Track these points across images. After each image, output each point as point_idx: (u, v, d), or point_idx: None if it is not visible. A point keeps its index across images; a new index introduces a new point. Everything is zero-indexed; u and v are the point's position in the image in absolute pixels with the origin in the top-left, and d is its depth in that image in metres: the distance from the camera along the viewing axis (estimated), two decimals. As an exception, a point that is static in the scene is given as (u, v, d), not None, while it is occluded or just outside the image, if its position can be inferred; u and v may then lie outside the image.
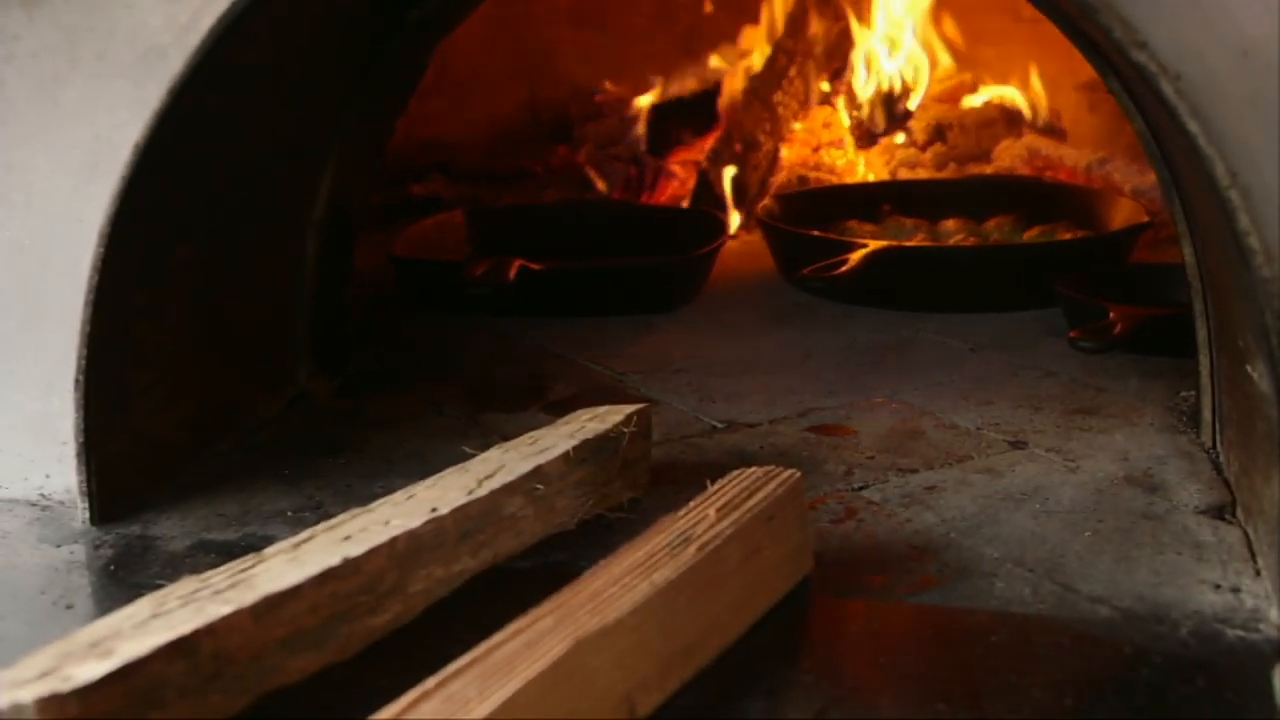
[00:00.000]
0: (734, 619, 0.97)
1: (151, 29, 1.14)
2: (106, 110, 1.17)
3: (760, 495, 1.03)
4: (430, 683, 0.78)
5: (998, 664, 0.95)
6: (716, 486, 1.05)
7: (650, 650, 0.88)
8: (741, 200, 2.28)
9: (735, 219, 2.25)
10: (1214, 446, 1.30)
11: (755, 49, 2.50)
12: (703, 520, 0.99)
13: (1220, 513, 1.18)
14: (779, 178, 2.39)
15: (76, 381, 1.17)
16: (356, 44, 1.43)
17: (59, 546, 1.18)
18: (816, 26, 2.50)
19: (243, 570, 0.94)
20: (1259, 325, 0.96)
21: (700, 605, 0.93)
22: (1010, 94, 2.53)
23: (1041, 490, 1.24)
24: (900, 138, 2.49)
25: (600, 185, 2.42)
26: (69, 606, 1.07)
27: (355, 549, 0.96)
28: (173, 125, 1.14)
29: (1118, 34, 0.94)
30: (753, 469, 1.08)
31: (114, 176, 1.14)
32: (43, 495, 1.26)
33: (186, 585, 0.92)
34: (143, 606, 0.89)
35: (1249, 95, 0.94)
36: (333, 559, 0.94)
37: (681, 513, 1.01)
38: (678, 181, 2.39)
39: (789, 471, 1.07)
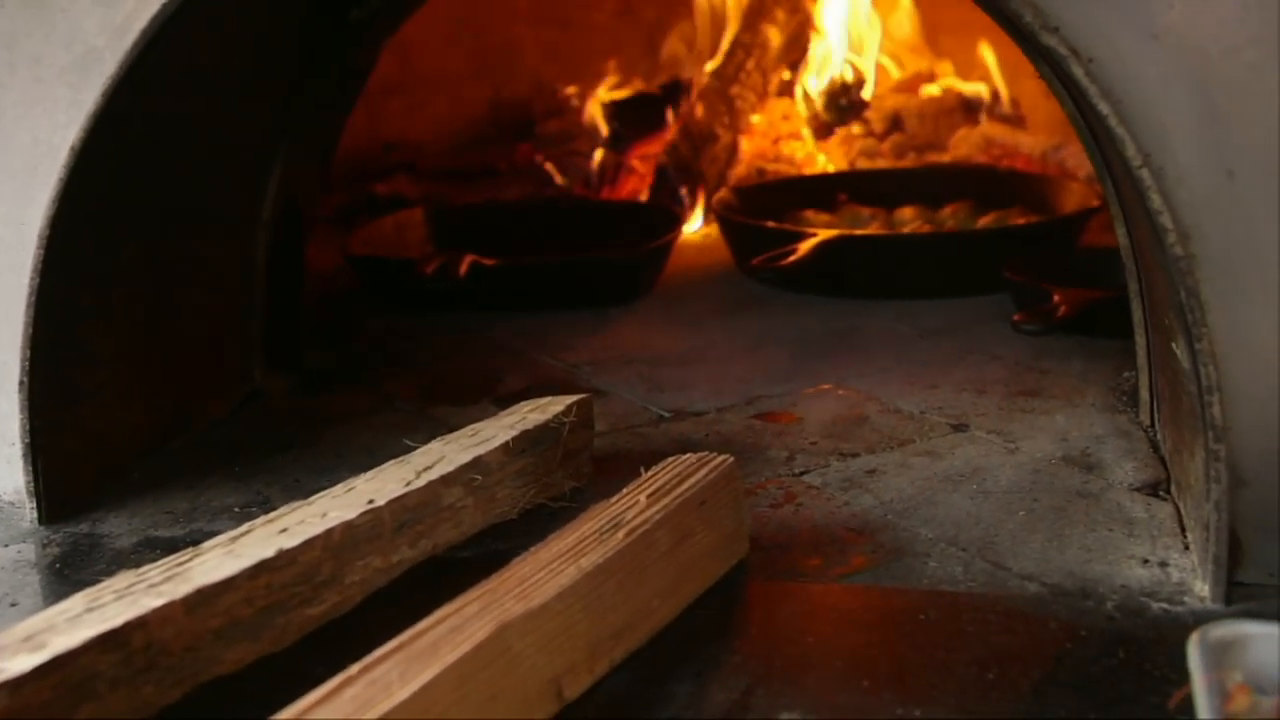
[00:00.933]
0: (665, 603, 0.98)
1: (87, 32, 1.15)
2: (45, 114, 1.18)
3: (692, 480, 1.05)
4: (354, 668, 0.80)
5: (925, 641, 0.96)
6: (650, 473, 1.07)
7: (577, 634, 0.89)
8: (700, 193, 2.30)
9: (693, 213, 2.26)
10: (1152, 425, 1.32)
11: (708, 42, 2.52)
12: (633, 506, 1.00)
13: (1154, 489, 1.19)
14: (738, 170, 2.40)
15: (21, 383, 1.18)
16: (299, 44, 1.44)
17: (7, 546, 1.19)
18: (774, 19, 2.51)
19: (179, 564, 0.95)
20: (1177, 303, 0.98)
21: (629, 589, 0.94)
22: (968, 83, 2.55)
23: (980, 471, 1.25)
24: (857, 128, 2.50)
25: (560, 181, 2.44)
26: (13, 604, 1.09)
27: (290, 541, 0.97)
28: (110, 127, 1.16)
29: (1029, 19, 0.95)
30: (687, 455, 1.10)
31: (53, 179, 1.15)
32: (-9, 496, 1.27)
33: (123, 580, 0.93)
34: (77, 601, 0.90)
35: (1160, 78, 0.95)
36: (268, 551, 0.96)
37: (614, 499, 1.02)
38: (637, 176, 2.40)
39: (723, 457, 1.09)
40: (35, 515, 1.22)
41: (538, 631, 0.86)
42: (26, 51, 1.18)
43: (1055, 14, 0.96)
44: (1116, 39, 0.96)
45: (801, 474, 1.27)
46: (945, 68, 2.63)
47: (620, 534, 0.96)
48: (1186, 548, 1.08)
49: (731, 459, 1.09)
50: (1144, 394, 1.34)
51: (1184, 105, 0.96)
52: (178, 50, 1.19)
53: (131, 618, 0.87)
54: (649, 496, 1.01)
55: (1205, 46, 0.95)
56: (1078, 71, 0.95)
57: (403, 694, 0.77)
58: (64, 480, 1.24)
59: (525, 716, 0.84)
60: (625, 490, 1.04)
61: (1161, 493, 1.19)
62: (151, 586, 0.92)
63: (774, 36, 2.51)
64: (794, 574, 1.08)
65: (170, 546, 1.16)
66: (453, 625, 0.84)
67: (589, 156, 2.45)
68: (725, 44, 2.50)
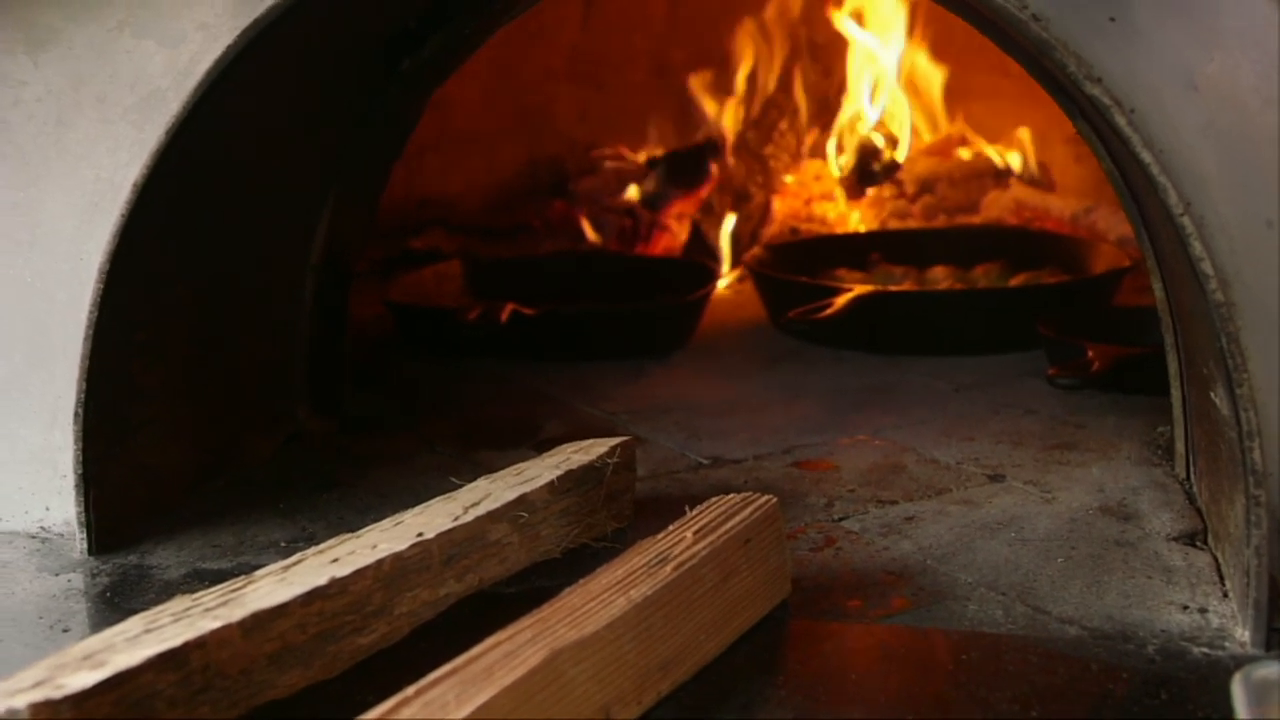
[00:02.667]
0: (710, 638, 0.99)
1: (151, 74, 1.19)
2: (108, 152, 1.21)
3: (737, 519, 1.06)
4: (410, 690, 0.81)
5: (967, 679, 0.97)
6: (695, 511, 1.08)
7: (626, 664, 0.91)
8: (734, 251, 2.32)
9: (726, 268, 2.28)
10: (1187, 477, 1.33)
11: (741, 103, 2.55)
12: (680, 542, 1.02)
13: (1191, 539, 1.21)
14: (771, 229, 2.43)
15: (75, 415, 1.21)
16: (351, 93, 1.47)
17: (57, 575, 1.21)
18: (808, 81, 2.55)
19: (233, 590, 0.97)
20: (1218, 350, 1.00)
21: (676, 622, 0.96)
22: (998, 148, 2.58)
23: (1017, 520, 1.27)
24: (889, 190, 2.53)
25: (594, 238, 2.46)
26: (65, 630, 1.10)
27: (342, 570, 0.99)
28: (170, 166, 1.19)
29: (1072, 69, 0.98)
30: (731, 495, 1.11)
31: (114, 215, 1.18)
32: (43, 527, 1.29)
33: (179, 603, 0.95)
34: (135, 623, 0.92)
35: (1200, 127, 0.98)
36: (320, 579, 0.97)
37: (660, 535, 1.04)
38: (671, 234, 2.43)
39: (766, 497, 1.10)
40: (85, 546, 1.24)
41: (589, 659, 0.87)
42: (92, 91, 1.21)
43: (1099, 65, 0.99)
44: (1158, 90, 0.98)
45: (840, 520, 1.28)
46: (976, 133, 2.66)
47: (668, 568, 0.97)
48: (1225, 595, 1.09)
49: (774, 499, 1.11)
50: (1179, 447, 1.35)
51: (1224, 155, 0.98)
52: (238, 94, 1.22)
53: (190, 638, 0.88)
54: (695, 533, 1.03)
55: (1244, 98, 0.97)
56: (1120, 121, 0.97)
57: (459, 715, 0.78)
58: (113, 512, 1.26)
59: (576, 742, 0.85)
60: (672, 527, 1.05)
61: (1199, 542, 1.20)
62: (207, 610, 0.93)
63: (808, 98, 2.54)
64: (835, 614, 1.09)
65: (218, 578, 1.17)
66: (506, 650, 0.86)
67: (623, 214, 2.48)
68: (759, 105, 2.53)
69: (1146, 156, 0.96)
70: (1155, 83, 0.99)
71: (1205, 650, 1.01)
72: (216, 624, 0.90)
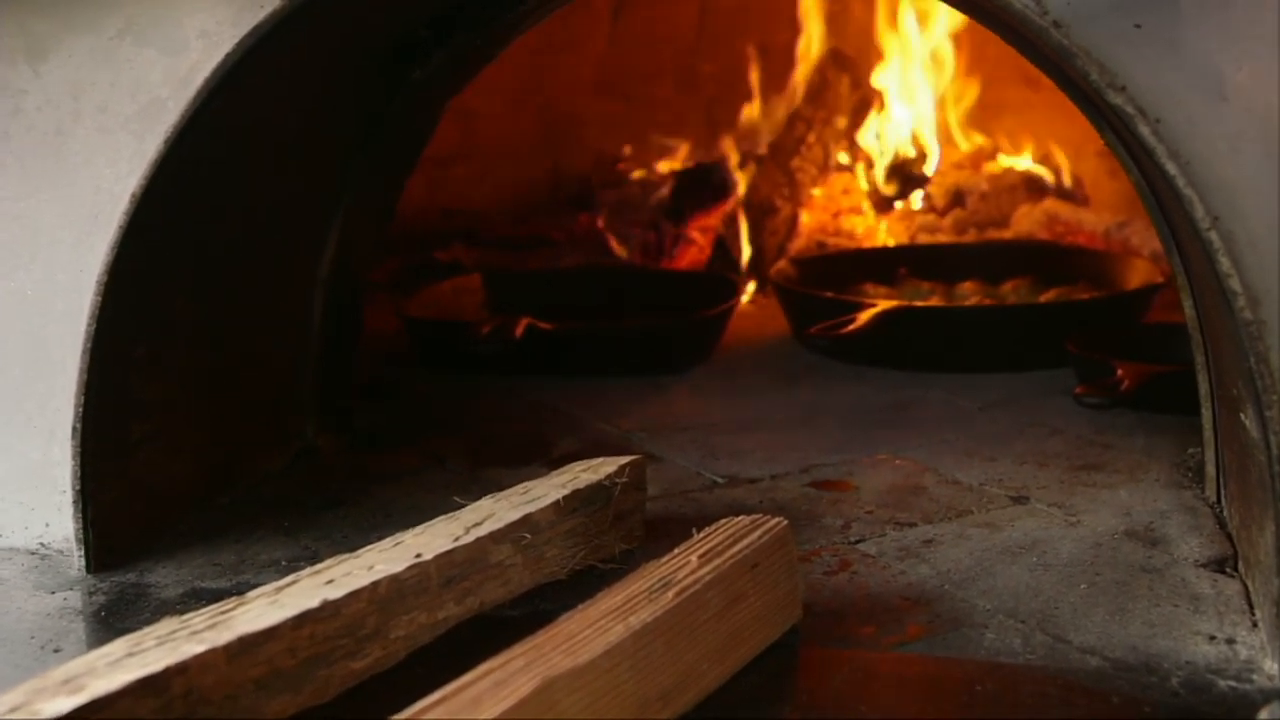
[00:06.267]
0: (714, 666, 0.96)
1: (151, 82, 1.17)
2: (108, 162, 1.19)
3: (744, 543, 1.03)
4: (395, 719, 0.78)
5: (982, 712, 0.94)
6: (702, 534, 1.05)
7: (624, 693, 0.87)
8: (759, 265, 2.29)
9: (750, 283, 2.25)
10: (1218, 500, 1.29)
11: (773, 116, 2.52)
12: (684, 566, 0.98)
13: (1220, 565, 1.16)
14: (798, 243, 2.40)
15: (74, 430, 1.18)
16: (360, 103, 1.45)
17: (54, 593, 1.19)
18: (836, 93, 2.51)
19: (223, 612, 0.94)
20: (1246, 370, 0.96)
21: (678, 650, 0.92)
22: (1030, 161, 2.54)
23: (1040, 544, 1.22)
24: (918, 203, 2.49)
25: (619, 251, 2.43)
26: (56, 650, 1.08)
27: (336, 592, 0.96)
28: (171, 176, 1.16)
29: (1095, 77, 0.94)
30: (740, 517, 1.08)
31: (113, 227, 1.16)
32: (42, 544, 1.27)
33: (165, 626, 0.92)
34: (119, 645, 0.89)
35: (1229, 139, 0.94)
36: (312, 601, 0.94)
37: (664, 559, 1.01)
38: (696, 248, 2.39)
39: (776, 520, 1.07)
40: (83, 563, 1.22)
41: (584, 689, 0.84)
42: (92, 100, 1.19)
43: (1122, 73, 0.95)
44: (1184, 99, 0.95)
45: (857, 542, 1.25)
46: (1007, 145, 2.62)
47: (670, 594, 0.94)
48: (1255, 625, 1.05)
49: (785, 522, 1.07)
50: (1210, 469, 1.31)
51: (1254, 167, 0.94)
52: (240, 103, 1.19)
53: (172, 663, 0.85)
54: (700, 557, 0.99)
55: (1276, 107, 0.93)
56: (1145, 131, 0.94)
57: (443, 747, 0.75)
58: (112, 529, 1.23)
59: (569, 776, 0.82)
60: (676, 550, 1.02)
61: (1228, 569, 1.16)
62: (194, 633, 0.90)
63: (836, 110, 2.51)
64: (848, 641, 1.06)
65: (216, 598, 1.13)
66: (497, 679, 0.82)
67: (647, 227, 2.45)
68: (786, 117, 2.50)
69: (1172, 168, 0.93)
70: (1182, 91, 0.95)
71: (1232, 683, 0.96)
72: (201, 648, 0.87)
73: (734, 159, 2.45)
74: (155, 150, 1.15)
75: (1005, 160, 2.58)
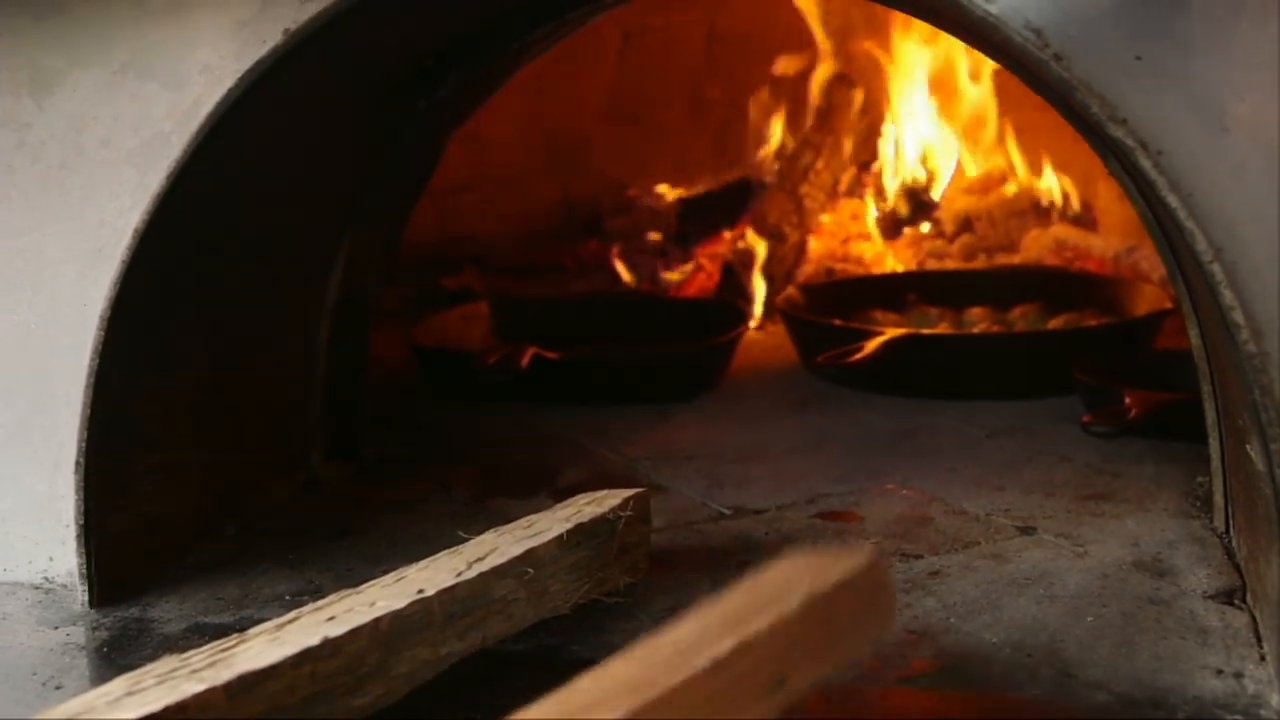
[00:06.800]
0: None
1: (155, 117, 1.17)
2: (111, 197, 1.19)
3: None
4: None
5: (987, 749, 0.93)
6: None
7: None
8: (767, 292, 2.29)
9: (759, 310, 2.25)
10: (1226, 531, 1.28)
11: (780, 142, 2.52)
12: None
13: (1229, 598, 1.15)
14: (806, 269, 2.39)
15: (77, 464, 1.18)
16: (365, 134, 1.45)
17: (56, 629, 1.18)
18: (845, 118, 2.52)
19: (223, 650, 0.94)
20: (1251, 402, 0.95)
21: None
22: (1039, 185, 2.53)
23: (1047, 576, 1.22)
24: (926, 227, 2.49)
25: (627, 277, 2.43)
26: (58, 687, 1.08)
27: (337, 629, 0.95)
28: (175, 210, 1.17)
29: (1095, 110, 0.94)
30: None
31: (116, 261, 1.16)
32: (46, 578, 1.27)
33: (165, 664, 0.92)
34: (118, 684, 0.89)
35: (1231, 170, 0.93)
36: (313, 639, 0.94)
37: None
38: (705, 274, 2.39)
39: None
40: (86, 598, 1.21)
41: None
42: (95, 135, 1.20)
43: (1124, 106, 0.95)
44: (1186, 131, 0.94)
45: (862, 574, 1.24)
46: (1016, 170, 2.61)
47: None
48: (1263, 658, 1.04)
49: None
50: (1218, 499, 1.30)
51: (1257, 198, 0.93)
52: (244, 135, 1.20)
53: (171, 702, 0.85)
54: None
55: (1279, 138, 0.93)
56: (1146, 164, 0.93)
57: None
58: (117, 563, 1.23)
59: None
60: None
61: (1237, 601, 1.15)
62: (194, 672, 0.90)
63: (844, 136, 2.51)
64: (852, 676, 1.04)
65: (219, 633, 1.14)
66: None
67: (657, 254, 2.45)
68: (794, 143, 2.50)
69: (1174, 200, 0.92)
70: (1184, 123, 0.94)
71: (1239, 718, 0.95)
72: (200, 687, 0.87)
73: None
74: (158, 184, 1.15)
75: (1014, 185, 2.57)
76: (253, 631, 0.97)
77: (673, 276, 2.40)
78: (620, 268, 2.48)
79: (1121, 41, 0.97)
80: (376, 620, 0.97)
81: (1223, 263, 0.92)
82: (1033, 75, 1.12)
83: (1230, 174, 0.94)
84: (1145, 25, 0.97)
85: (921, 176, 2.52)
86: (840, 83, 2.54)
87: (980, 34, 1.09)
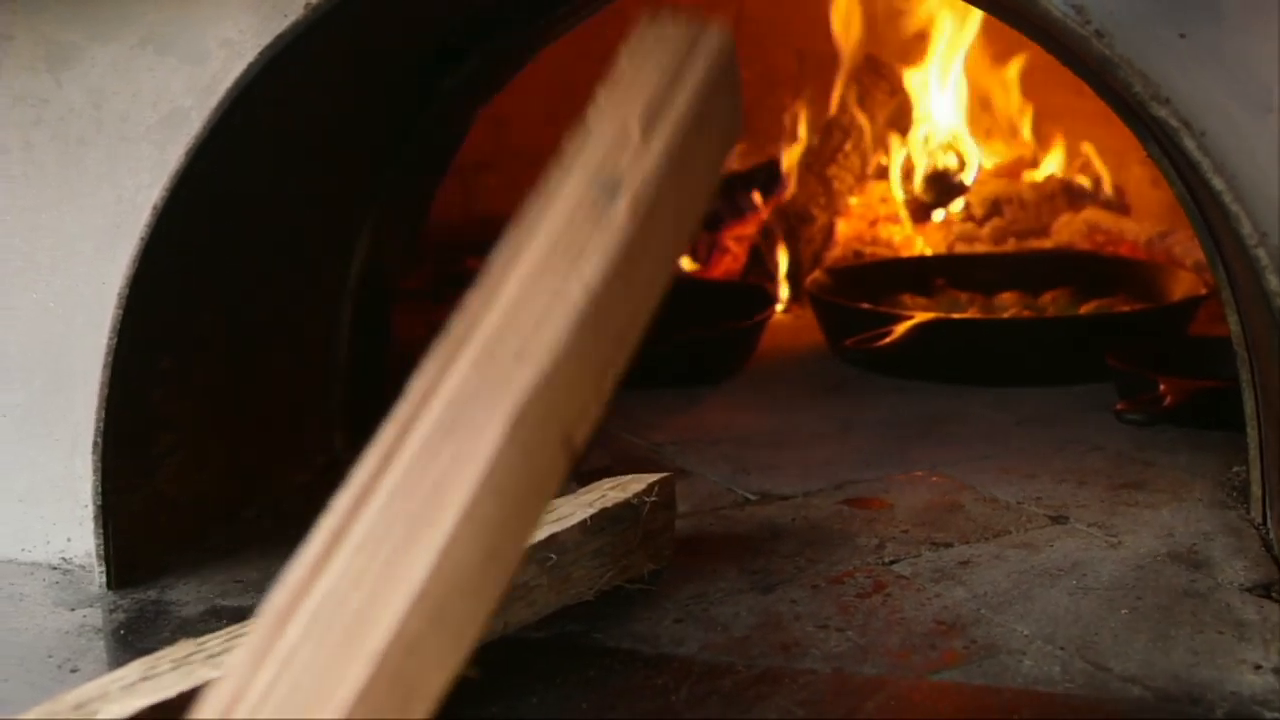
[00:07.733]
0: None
1: (174, 92, 1.15)
2: (129, 173, 1.17)
3: None
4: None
5: (1018, 744, 0.91)
6: None
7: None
8: (795, 274, 2.26)
9: (785, 293, 2.22)
10: (1264, 522, 1.25)
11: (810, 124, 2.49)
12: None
13: (1266, 590, 1.13)
14: (834, 252, 2.36)
15: (94, 444, 1.17)
16: (389, 111, 1.43)
17: (73, 610, 1.17)
18: (874, 100, 2.49)
19: (240, 634, 0.92)
20: (1294, 392, 0.92)
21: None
22: (1071, 169, 2.50)
23: (1080, 566, 1.19)
24: (957, 207, 2.46)
25: (653, 259, 2.41)
26: (74, 670, 1.06)
27: (355, 614, 0.94)
28: (194, 186, 1.15)
29: (1138, 89, 0.91)
30: None
31: (135, 238, 1.15)
32: (64, 559, 1.25)
33: (182, 649, 0.91)
34: (134, 669, 0.88)
35: (1278, 153, 0.90)
36: (332, 623, 0.92)
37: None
38: (731, 256, 2.37)
39: None
40: (104, 580, 1.20)
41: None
42: (114, 110, 1.18)
43: (1167, 85, 0.92)
44: (1231, 112, 0.91)
45: (891, 563, 1.22)
46: (1048, 153, 2.58)
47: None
48: (1302, 654, 1.01)
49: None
50: (1255, 489, 1.27)
51: (1304, 182, 0.91)
52: (263, 112, 1.18)
53: (186, 688, 0.84)
54: None
55: (1328, 120, 0.90)
56: (1189, 145, 0.90)
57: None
58: (135, 545, 1.22)
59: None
60: None
61: (1275, 594, 1.12)
62: (210, 657, 0.89)
63: (873, 118, 2.48)
64: (881, 668, 1.03)
65: (237, 616, 1.13)
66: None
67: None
68: (823, 125, 2.47)
69: (1218, 183, 0.89)
70: (1229, 104, 0.92)
71: (1278, 716, 0.93)
72: (216, 672, 0.85)
73: (785, 160, 2.42)
74: (177, 160, 1.13)
75: (1045, 168, 2.54)
76: (270, 616, 0.95)
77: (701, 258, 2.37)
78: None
79: (1165, 18, 0.94)
80: (396, 606, 0.96)
81: (1268, 248, 0.90)
82: (1071, 53, 1.09)
83: (1276, 156, 0.91)
84: (1189, 2, 0.94)
85: (952, 162, 2.48)
86: (870, 64, 2.51)
87: (1018, 10, 1.06)
